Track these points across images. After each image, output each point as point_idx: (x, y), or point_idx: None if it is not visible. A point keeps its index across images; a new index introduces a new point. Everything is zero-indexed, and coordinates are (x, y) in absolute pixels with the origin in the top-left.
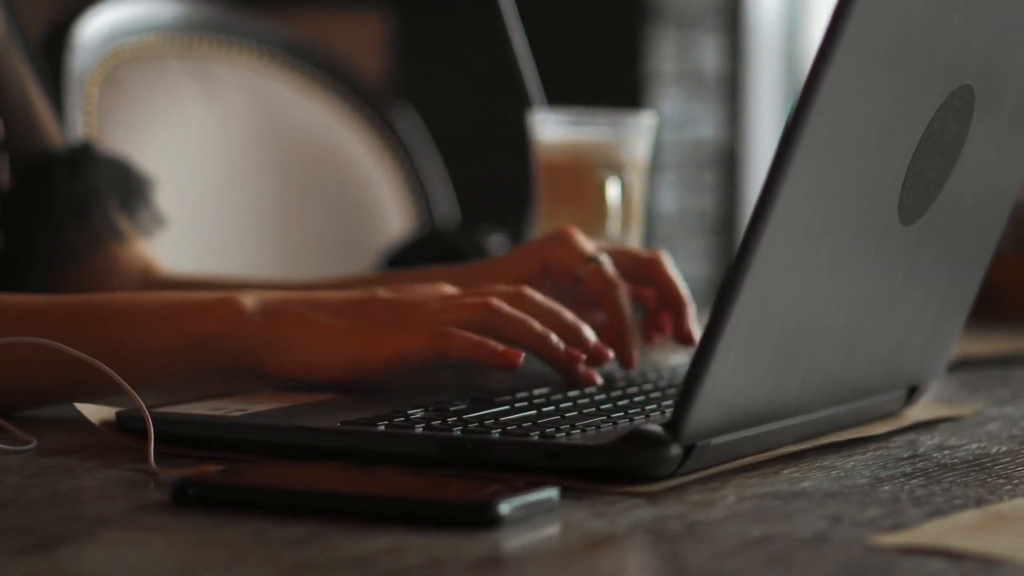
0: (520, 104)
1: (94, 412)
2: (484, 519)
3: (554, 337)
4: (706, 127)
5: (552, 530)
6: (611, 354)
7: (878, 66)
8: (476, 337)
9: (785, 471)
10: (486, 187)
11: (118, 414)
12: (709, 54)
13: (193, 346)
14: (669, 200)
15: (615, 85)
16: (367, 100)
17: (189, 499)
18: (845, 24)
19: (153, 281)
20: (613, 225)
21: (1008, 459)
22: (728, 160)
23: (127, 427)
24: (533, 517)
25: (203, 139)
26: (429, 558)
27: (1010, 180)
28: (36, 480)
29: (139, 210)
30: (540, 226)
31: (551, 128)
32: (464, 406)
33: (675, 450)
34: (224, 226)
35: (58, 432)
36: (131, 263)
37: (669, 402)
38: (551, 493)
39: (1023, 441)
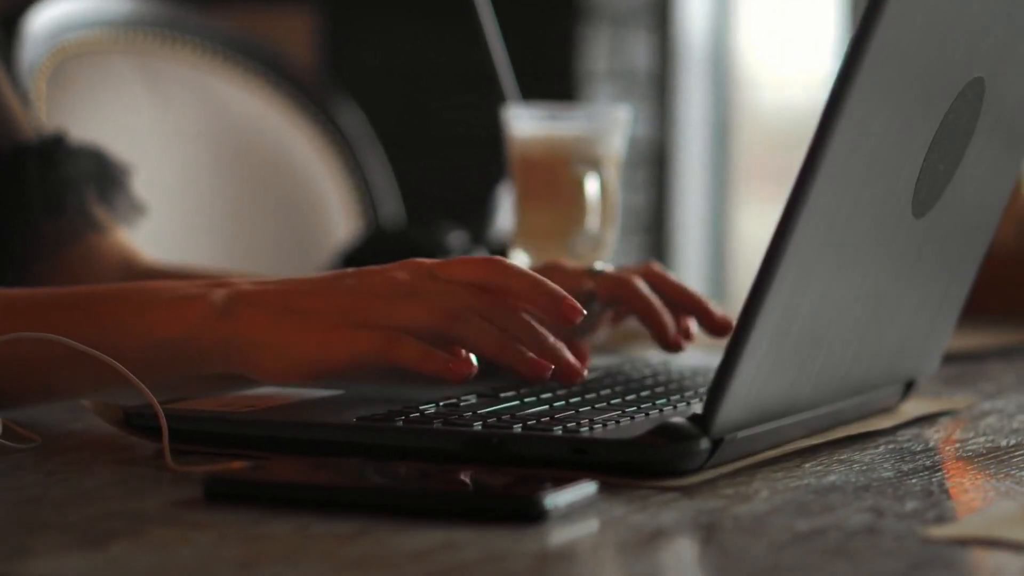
0: (483, 99)
1: (100, 409)
2: (531, 513)
3: (517, 347)
4: (638, 125)
5: (597, 524)
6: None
7: (904, 61)
8: (426, 348)
9: (806, 465)
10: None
11: (125, 410)
12: (640, 52)
13: (159, 346)
14: None
15: (549, 83)
16: (310, 96)
17: (222, 495)
18: (877, 24)
19: (135, 271)
20: (592, 221)
21: (1021, 452)
22: (658, 158)
23: (135, 423)
24: (575, 511)
25: (149, 136)
26: (485, 553)
27: (1008, 173)
28: (55, 478)
29: (117, 199)
30: (517, 225)
31: (526, 123)
32: (473, 401)
33: (704, 444)
34: (170, 223)
35: (55, 429)
36: (111, 253)
37: (675, 396)
38: (591, 488)
39: None
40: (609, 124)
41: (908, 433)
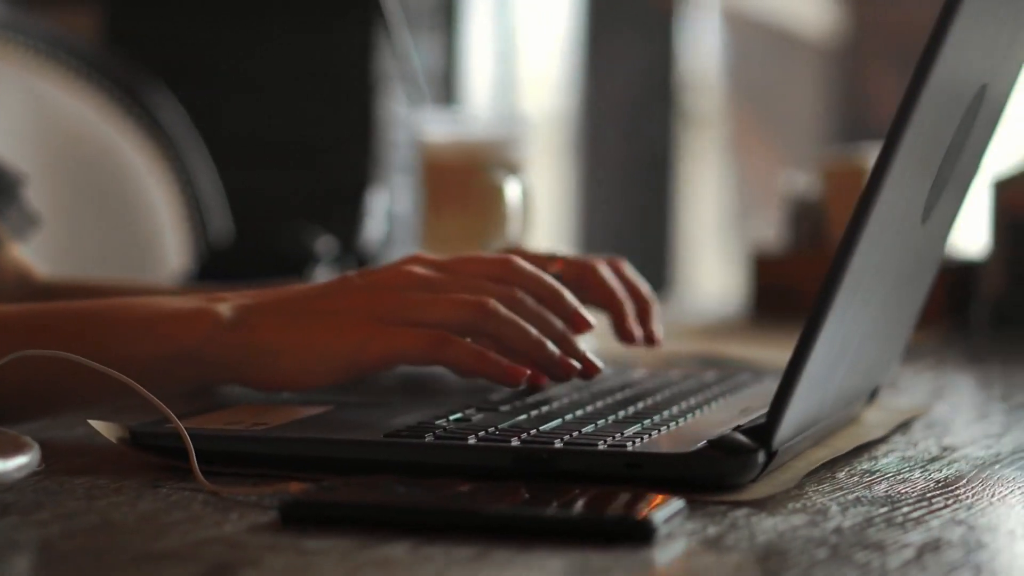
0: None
1: (106, 428)
2: (641, 534)
3: (550, 345)
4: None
5: (705, 543)
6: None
7: (944, 78)
8: (479, 349)
9: (839, 475)
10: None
11: (131, 429)
12: (429, 54)
13: (171, 359)
14: (402, 203)
15: (344, 85)
16: (134, 97)
17: (297, 518)
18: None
19: (31, 288)
20: (515, 228)
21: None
22: None
23: (143, 443)
24: (673, 530)
25: None
26: None
27: (973, 171)
28: (101, 503)
29: (8, 211)
30: (427, 230)
31: (438, 127)
32: (481, 416)
33: (762, 457)
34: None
35: (48, 449)
36: (6, 268)
37: (671, 409)
38: (681, 504)
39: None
40: (524, 127)
41: (902, 440)
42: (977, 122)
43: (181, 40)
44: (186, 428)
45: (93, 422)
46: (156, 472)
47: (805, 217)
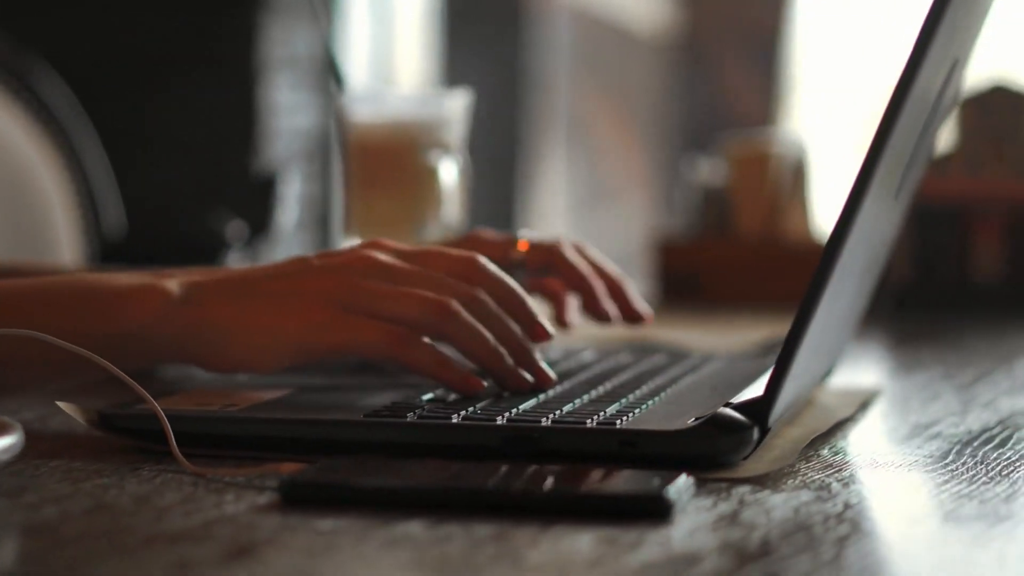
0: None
1: (75, 411)
2: (659, 509)
3: (506, 357)
4: (306, 116)
5: (722, 519)
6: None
7: (931, 59)
8: (441, 355)
9: (823, 452)
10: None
11: (100, 412)
12: (304, 42)
13: (120, 336)
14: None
15: (227, 73)
16: (21, 81)
17: (300, 499)
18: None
19: None
20: (450, 211)
21: (1004, 431)
22: (324, 149)
23: (112, 425)
24: (683, 506)
25: None
26: (665, 553)
27: (932, 145)
28: (86, 486)
29: None
30: (355, 215)
31: (366, 107)
32: (453, 398)
33: (756, 435)
34: None
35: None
36: None
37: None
38: (690, 480)
39: (971, 415)
40: (455, 108)
41: (874, 422)
42: (944, 96)
43: (67, 24)
44: (169, 411)
45: (62, 404)
46: (127, 455)
47: (711, 204)
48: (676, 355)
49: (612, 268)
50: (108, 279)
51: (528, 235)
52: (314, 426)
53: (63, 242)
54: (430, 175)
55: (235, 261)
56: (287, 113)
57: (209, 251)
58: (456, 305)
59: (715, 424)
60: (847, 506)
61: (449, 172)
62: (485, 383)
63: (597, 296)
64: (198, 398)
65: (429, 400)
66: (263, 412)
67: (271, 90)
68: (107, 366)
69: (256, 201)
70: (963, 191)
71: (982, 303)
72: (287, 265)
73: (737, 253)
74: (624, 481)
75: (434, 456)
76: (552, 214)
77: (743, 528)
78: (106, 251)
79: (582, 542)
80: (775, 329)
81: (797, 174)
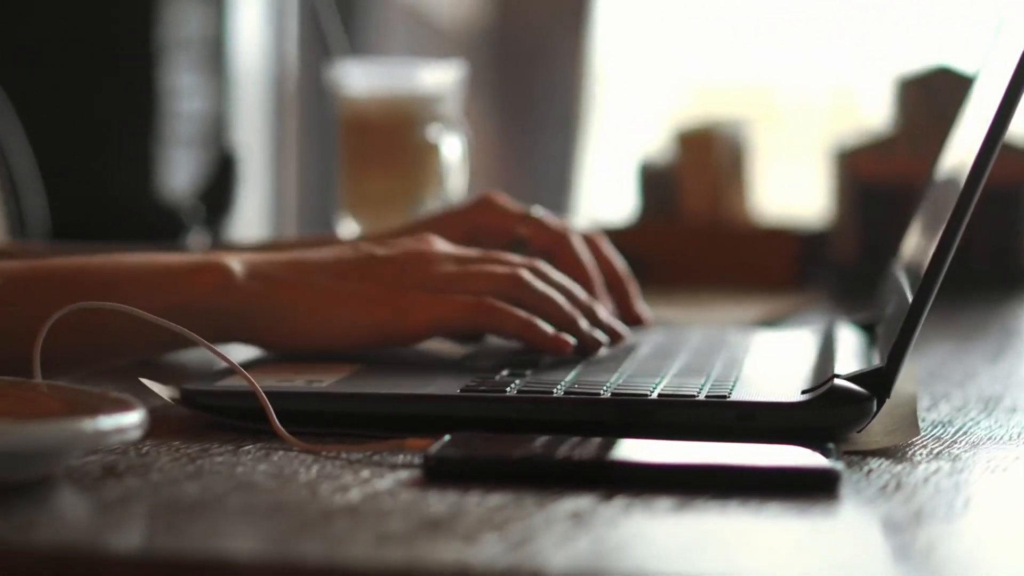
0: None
1: (160, 388)
2: (829, 482)
3: (583, 321)
4: (198, 98)
5: (881, 492)
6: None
7: None
8: (525, 315)
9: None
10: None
11: (185, 389)
12: (196, 23)
13: (178, 314)
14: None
15: (124, 55)
16: None
17: (443, 473)
18: None
19: None
20: (454, 187)
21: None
22: (217, 133)
23: (197, 402)
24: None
25: None
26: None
27: None
28: (209, 463)
29: None
30: (350, 193)
31: (361, 80)
32: (530, 373)
33: (874, 406)
34: None
35: None
36: None
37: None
38: (835, 453)
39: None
40: (452, 80)
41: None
42: None
43: None
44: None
45: (146, 381)
46: (215, 432)
47: (655, 185)
48: (711, 331)
49: (620, 266)
50: (166, 257)
51: (541, 213)
52: (415, 402)
53: None
54: (430, 152)
55: (195, 241)
56: (186, 96)
57: (169, 231)
58: (527, 274)
59: (835, 396)
60: (994, 480)
61: (452, 148)
62: (573, 341)
63: (594, 290)
64: (275, 374)
65: (507, 376)
66: (357, 387)
67: (171, 73)
68: (198, 340)
69: (215, 181)
70: (907, 171)
71: None
72: (346, 252)
73: (682, 235)
74: (790, 455)
75: (527, 430)
76: None
77: (904, 501)
78: (35, 234)
79: (768, 511)
80: (767, 308)
81: (736, 155)
